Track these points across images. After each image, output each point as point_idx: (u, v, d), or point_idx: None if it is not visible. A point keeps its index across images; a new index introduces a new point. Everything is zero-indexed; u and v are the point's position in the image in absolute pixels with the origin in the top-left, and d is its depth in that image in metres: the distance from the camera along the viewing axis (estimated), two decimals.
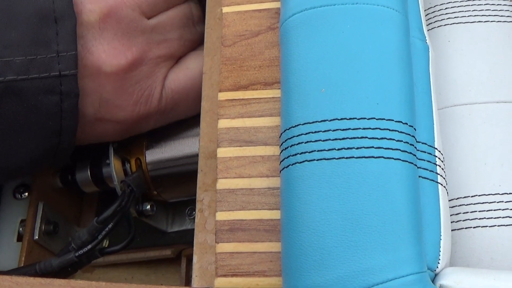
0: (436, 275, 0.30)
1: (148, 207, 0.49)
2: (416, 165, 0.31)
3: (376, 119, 0.30)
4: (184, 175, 0.47)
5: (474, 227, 0.37)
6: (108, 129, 0.44)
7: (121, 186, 0.46)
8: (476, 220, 0.37)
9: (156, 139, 0.48)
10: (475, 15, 0.43)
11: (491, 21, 0.43)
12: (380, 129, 0.30)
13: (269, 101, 0.35)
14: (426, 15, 0.44)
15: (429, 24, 0.44)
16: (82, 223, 0.56)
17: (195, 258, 0.36)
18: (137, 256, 0.53)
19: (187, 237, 0.51)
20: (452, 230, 0.38)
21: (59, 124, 0.39)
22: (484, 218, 0.37)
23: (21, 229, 0.50)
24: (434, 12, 0.44)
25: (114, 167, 0.47)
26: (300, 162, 0.30)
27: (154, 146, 0.48)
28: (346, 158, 0.30)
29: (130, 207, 0.44)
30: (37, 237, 0.49)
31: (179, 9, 0.46)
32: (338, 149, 0.30)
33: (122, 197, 0.44)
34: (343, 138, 0.30)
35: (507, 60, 0.41)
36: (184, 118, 0.48)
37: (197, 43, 0.48)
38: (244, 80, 0.36)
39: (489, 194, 0.38)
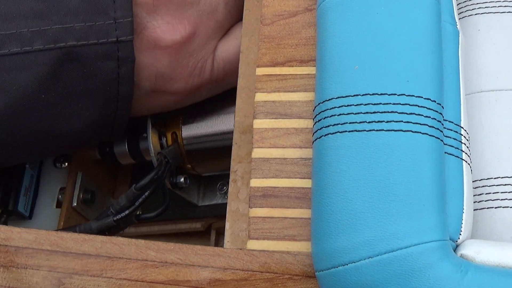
0: (457, 245, 0.32)
1: (182, 179, 0.51)
2: (442, 140, 0.32)
3: (406, 95, 0.32)
4: (217, 150, 0.49)
5: (495, 207, 0.39)
6: (163, 100, 0.47)
7: (157, 157, 0.48)
8: (498, 200, 0.39)
9: (192, 114, 0.50)
10: (505, 6, 0.44)
11: None
12: (409, 105, 0.32)
13: (304, 77, 0.37)
14: (457, 4, 0.46)
15: (460, 13, 0.45)
16: (116, 195, 0.59)
17: (227, 225, 0.38)
18: (168, 228, 0.56)
19: (217, 211, 0.53)
20: (474, 210, 0.39)
21: (116, 90, 0.41)
22: (506, 199, 0.39)
23: (60, 196, 0.53)
24: (465, 1, 0.45)
25: (151, 140, 0.49)
26: (333, 133, 0.32)
27: (190, 121, 0.50)
28: (376, 130, 0.31)
29: (165, 177, 0.47)
30: (75, 204, 0.51)
31: None
32: (369, 122, 0.32)
33: (159, 167, 0.46)
34: (374, 112, 0.32)
35: None
36: (234, 86, 0.50)
37: (242, 13, 0.50)
38: (281, 57, 0.38)
39: (511, 177, 0.39)
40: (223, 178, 0.54)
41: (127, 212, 0.44)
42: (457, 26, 0.37)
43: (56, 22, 0.39)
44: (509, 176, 0.39)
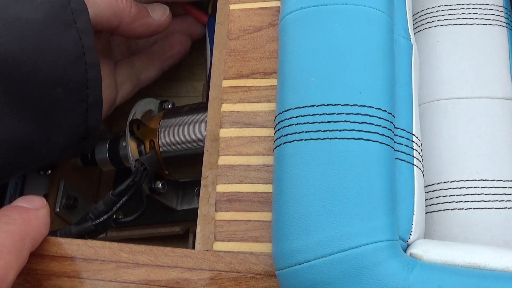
0: (408, 245, 0.34)
1: (160, 185, 0.53)
2: (393, 147, 0.35)
3: (358, 106, 0.34)
4: (193, 157, 0.51)
5: (451, 209, 0.41)
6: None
7: (135, 164, 0.50)
8: (454, 203, 0.41)
9: (169, 123, 0.52)
10: (463, 18, 0.47)
11: (477, 24, 0.46)
12: (361, 114, 0.34)
13: (267, 89, 0.39)
14: (418, 17, 0.48)
15: (420, 25, 0.48)
16: (99, 200, 0.61)
17: (198, 228, 0.40)
18: (148, 232, 0.58)
19: (195, 215, 0.55)
20: (431, 212, 0.42)
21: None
22: (461, 201, 0.41)
23: None
24: (426, 14, 0.48)
25: (130, 147, 0.52)
26: (291, 142, 0.34)
27: (167, 129, 0.52)
28: (330, 138, 0.34)
29: (143, 183, 0.49)
30: (58, 210, 0.53)
31: None
32: (324, 131, 0.34)
33: (135, 173, 0.48)
34: (328, 122, 0.34)
35: (490, 59, 0.45)
36: None
37: None
38: (246, 70, 0.40)
39: (466, 180, 0.41)
40: (200, 183, 0.56)
41: (105, 217, 0.46)
42: (411, 40, 0.40)
43: None
44: (464, 180, 0.42)
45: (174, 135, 0.52)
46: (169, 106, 0.57)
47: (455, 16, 0.47)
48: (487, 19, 0.47)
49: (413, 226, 0.35)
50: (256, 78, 0.40)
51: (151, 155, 0.51)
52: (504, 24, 0.46)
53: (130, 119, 0.52)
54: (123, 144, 0.54)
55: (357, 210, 0.32)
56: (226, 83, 0.40)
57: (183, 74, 0.68)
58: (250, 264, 0.36)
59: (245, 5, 0.42)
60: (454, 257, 0.33)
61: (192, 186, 0.56)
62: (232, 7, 0.42)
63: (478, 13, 0.47)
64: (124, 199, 0.47)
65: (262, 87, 0.39)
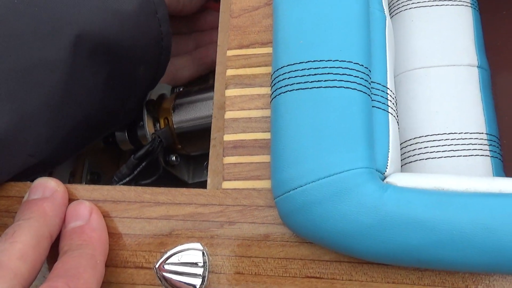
0: (385, 177, 0.41)
1: (174, 158, 0.60)
2: (369, 95, 0.41)
3: (339, 61, 0.41)
4: (204, 132, 0.58)
5: (426, 159, 0.48)
6: None
7: (152, 136, 0.57)
8: (428, 153, 0.48)
9: (182, 102, 0.59)
10: (433, 0, 0.54)
11: (446, 5, 0.54)
12: (342, 67, 0.41)
13: (264, 56, 0.47)
14: (396, 1, 0.55)
15: (397, 8, 0.55)
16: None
17: (209, 178, 0.47)
18: None
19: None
20: (409, 163, 0.48)
21: None
22: (434, 151, 0.48)
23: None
24: None
25: (147, 125, 0.59)
26: (284, 92, 0.41)
27: (180, 107, 0.59)
28: (317, 87, 0.41)
29: (159, 152, 0.56)
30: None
31: None
32: (311, 82, 0.41)
33: (153, 141, 0.55)
34: (315, 74, 0.41)
35: (457, 34, 0.52)
36: None
37: None
38: (246, 41, 0.47)
39: (438, 134, 0.48)
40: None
41: (127, 179, 0.53)
42: (384, 12, 0.47)
43: None
44: (436, 134, 0.48)
45: (186, 112, 0.59)
46: (181, 90, 0.64)
47: None
48: (454, 0, 0.54)
49: (389, 162, 0.41)
50: (255, 48, 0.47)
51: (165, 130, 0.58)
52: (469, 4, 0.54)
53: (146, 100, 0.59)
54: (141, 123, 0.61)
55: (340, 143, 0.39)
56: (230, 52, 0.47)
57: None
58: (253, 198, 0.42)
59: None
60: (423, 183, 0.39)
61: (202, 160, 0.63)
62: None
63: None
64: (144, 163, 0.54)
65: (260, 55, 0.47)
